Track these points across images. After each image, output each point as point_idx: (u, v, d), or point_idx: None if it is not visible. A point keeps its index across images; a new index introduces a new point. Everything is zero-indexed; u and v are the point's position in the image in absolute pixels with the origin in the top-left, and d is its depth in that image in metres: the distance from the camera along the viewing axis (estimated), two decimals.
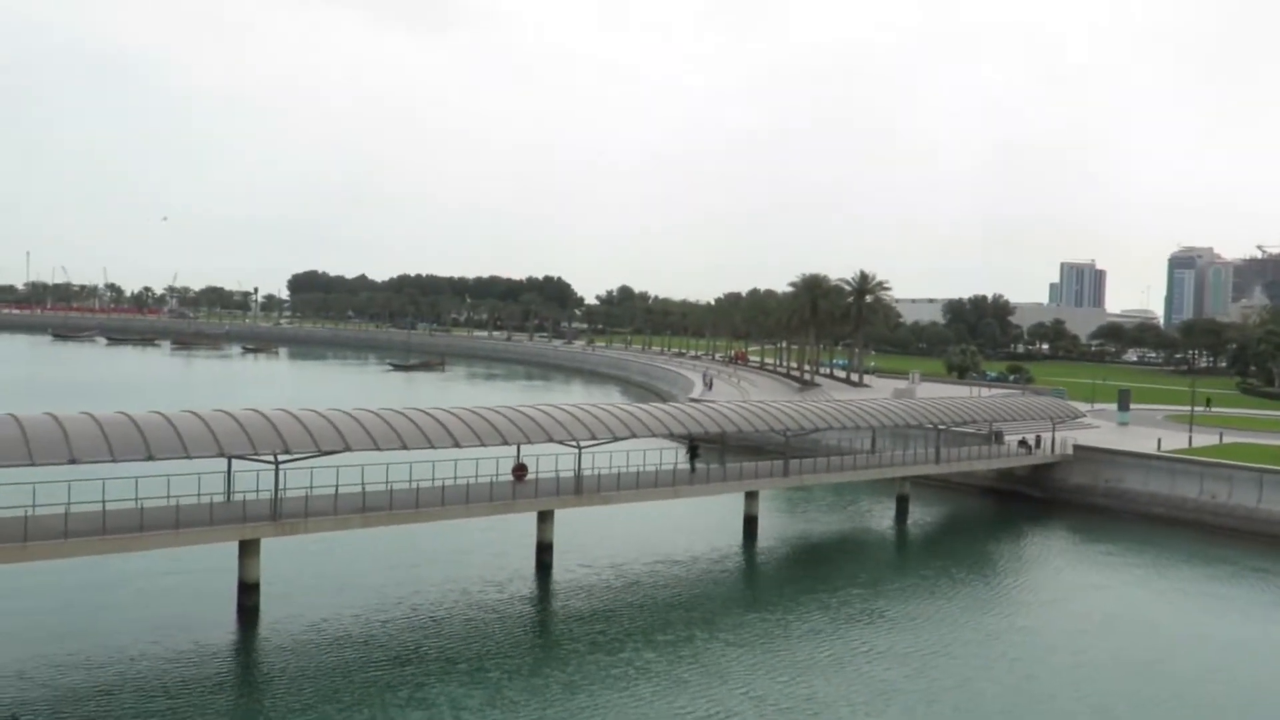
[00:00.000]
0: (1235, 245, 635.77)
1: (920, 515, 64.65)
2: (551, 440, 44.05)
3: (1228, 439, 79.75)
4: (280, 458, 37.25)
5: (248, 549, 38.21)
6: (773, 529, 58.14)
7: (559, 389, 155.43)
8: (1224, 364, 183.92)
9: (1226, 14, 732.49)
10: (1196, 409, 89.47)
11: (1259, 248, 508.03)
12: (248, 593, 38.30)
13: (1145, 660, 38.81)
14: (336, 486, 39.99)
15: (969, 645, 39.30)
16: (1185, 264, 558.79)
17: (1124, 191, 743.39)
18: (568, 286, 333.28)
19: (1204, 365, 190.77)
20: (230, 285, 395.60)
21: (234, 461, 38.00)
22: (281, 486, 38.13)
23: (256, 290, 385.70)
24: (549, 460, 47.18)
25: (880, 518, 64.25)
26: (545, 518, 46.88)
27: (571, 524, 49.88)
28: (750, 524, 55.83)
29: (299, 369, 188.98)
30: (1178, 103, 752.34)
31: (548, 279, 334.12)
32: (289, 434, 36.99)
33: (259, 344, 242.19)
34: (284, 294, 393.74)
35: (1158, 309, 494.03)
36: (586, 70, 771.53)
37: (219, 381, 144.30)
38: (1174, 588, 51.32)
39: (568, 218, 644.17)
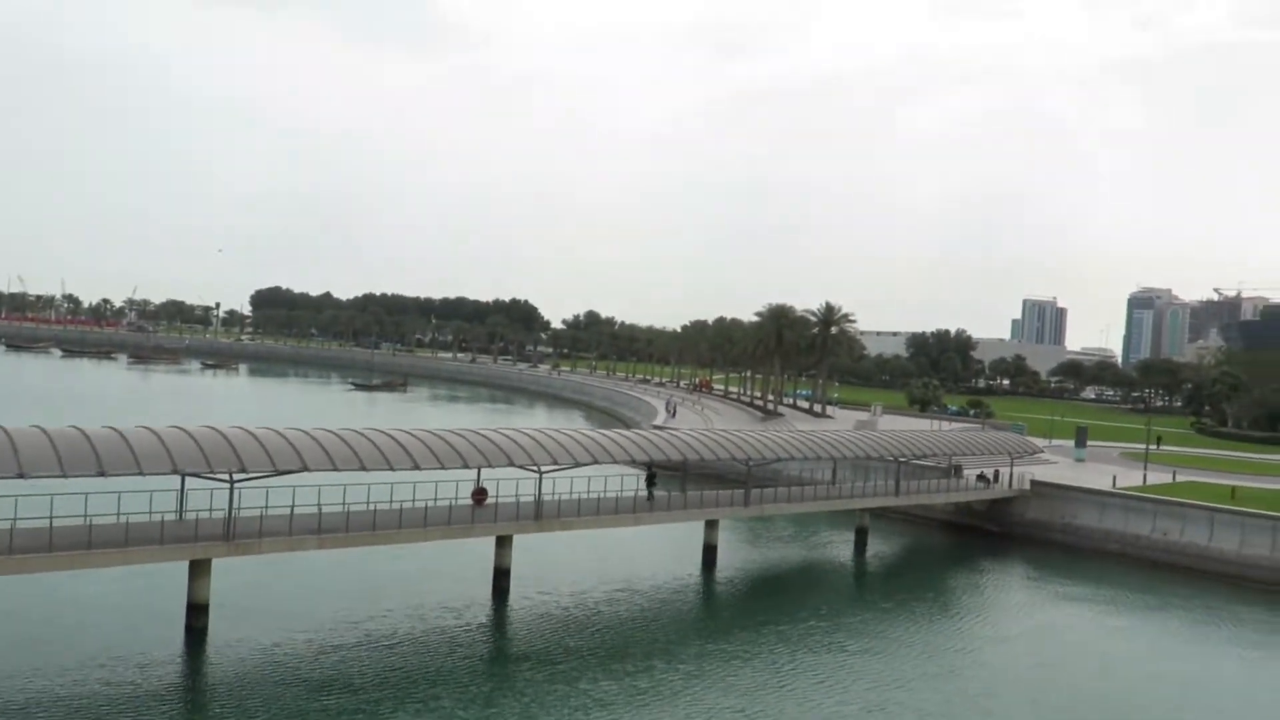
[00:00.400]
0: (1193, 287, 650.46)
1: (879, 547, 64.83)
2: (512, 464, 43.74)
3: (1181, 477, 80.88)
4: (235, 476, 36.65)
5: (198, 569, 37.47)
6: (733, 558, 58.04)
7: (522, 413, 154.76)
8: (1179, 403, 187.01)
9: (1188, 66, 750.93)
10: (1144, 446, 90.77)
11: (1215, 290, 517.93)
12: (197, 614, 37.52)
13: (1101, 698, 39.02)
14: (292, 507, 39.40)
15: (928, 680, 39.30)
16: (1144, 304, 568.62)
17: (1086, 231, 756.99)
18: (534, 310, 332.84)
19: (1160, 404, 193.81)
20: (191, 299, 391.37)
21: (188, 479, 37.33)
22: (236, 506, 37.50)
23: (218, 305, 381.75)
24: (509, 484, 46.81)
25: (840, 549, 64.37)
26: (504, 543, 46.46)
27: (531, 550, 49.48)
28: (710, 552, 55.69)
29: (259, 386, 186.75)
30: (1142, 147, 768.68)
31: (514, 302, 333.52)
32: (245, 452, 36.43)
33: (219, 360, 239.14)
34: (246, 309, 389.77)
35: (1116, 348, 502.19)
36: (559, 95, 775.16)
37: (176, 397, 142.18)
38: (1129, 625, 51.76)
39: (537, 241, 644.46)
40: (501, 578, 46.40)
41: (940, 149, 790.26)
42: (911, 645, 44.02)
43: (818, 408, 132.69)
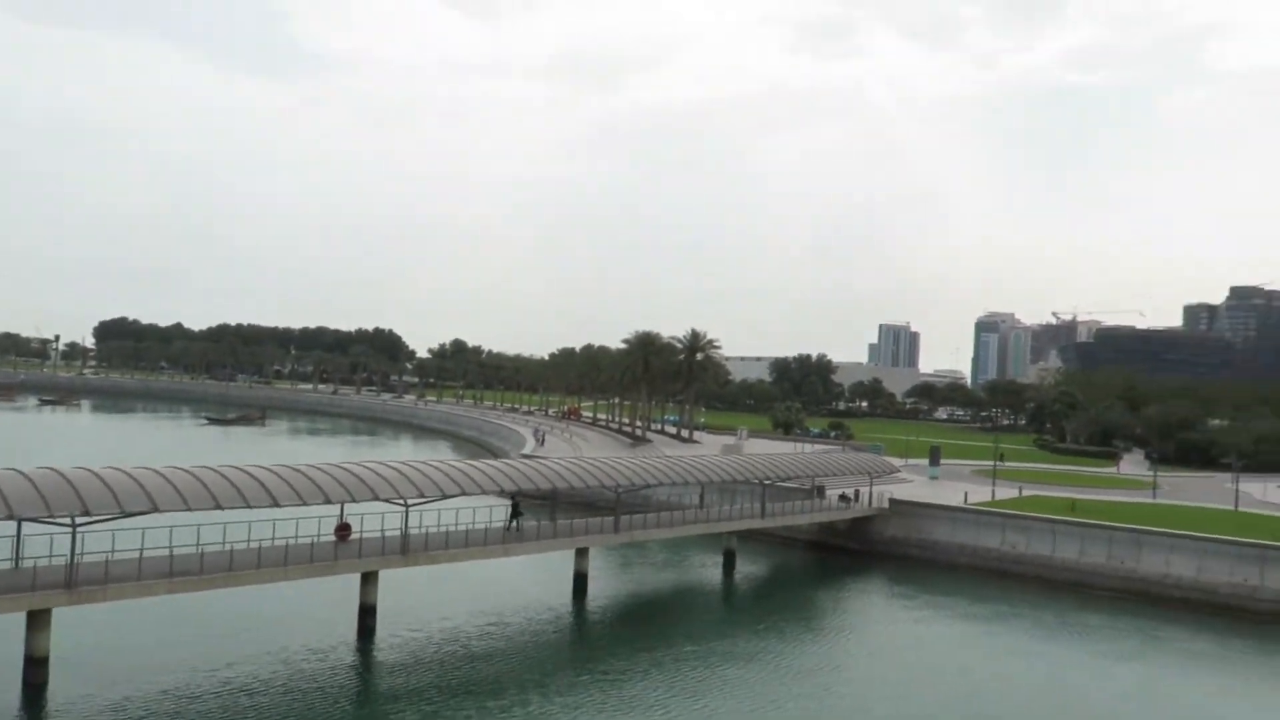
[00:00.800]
0: (1034, 312, 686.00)
1: (747, 569, 65.98)
2: (377, 498, 42.78)
3: (1027, 492, 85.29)
4: (78, 519, 34.66)
5: (37, 620, 35.18)
6: (604, 585, 58.08)
7: (387, 445, 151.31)
8: (1024, 421, 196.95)
9: (1029, 100, 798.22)
10: (991, 463, 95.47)
11: (1054, 314, 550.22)
12: (35, 669, 35.19)
13: (964, 703, 40.63)
14: (141, 550, 37.47)
15: (800, 700, 40.12)
16: (990, 328, 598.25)
17: (937, 259, 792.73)
18: (399, 339, 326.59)
19: (1006, 423, 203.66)
20: (27, 331, 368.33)
21: (25, 525, 35.08)
22: (79, 551, 35.42)
23: (57, 338, 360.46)
24: (374, 519, 45.73)
25: (709, 572, 65.20)
26: (369, 579, 45.29)
27: (398, 586, 48.37)
28: (581, 581, 55.58)
29: (104, 423, 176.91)
30: (985, 179, 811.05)
31: (378, 331, 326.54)
32: (89, 493, 34.52)
33: (59, 395, 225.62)
34: (89, 342, 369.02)
35: (966, 370, 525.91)
36: (423, 123, 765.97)
37: (10, 436, 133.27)
38: (985, 634, 54.06)
39: (402, 270, 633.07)
40: (368, 615, 45.19)
41: (800, 180, 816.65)
42: (783, 664, 44.91)
43: (685, 433, 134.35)
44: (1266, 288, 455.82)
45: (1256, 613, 57.68)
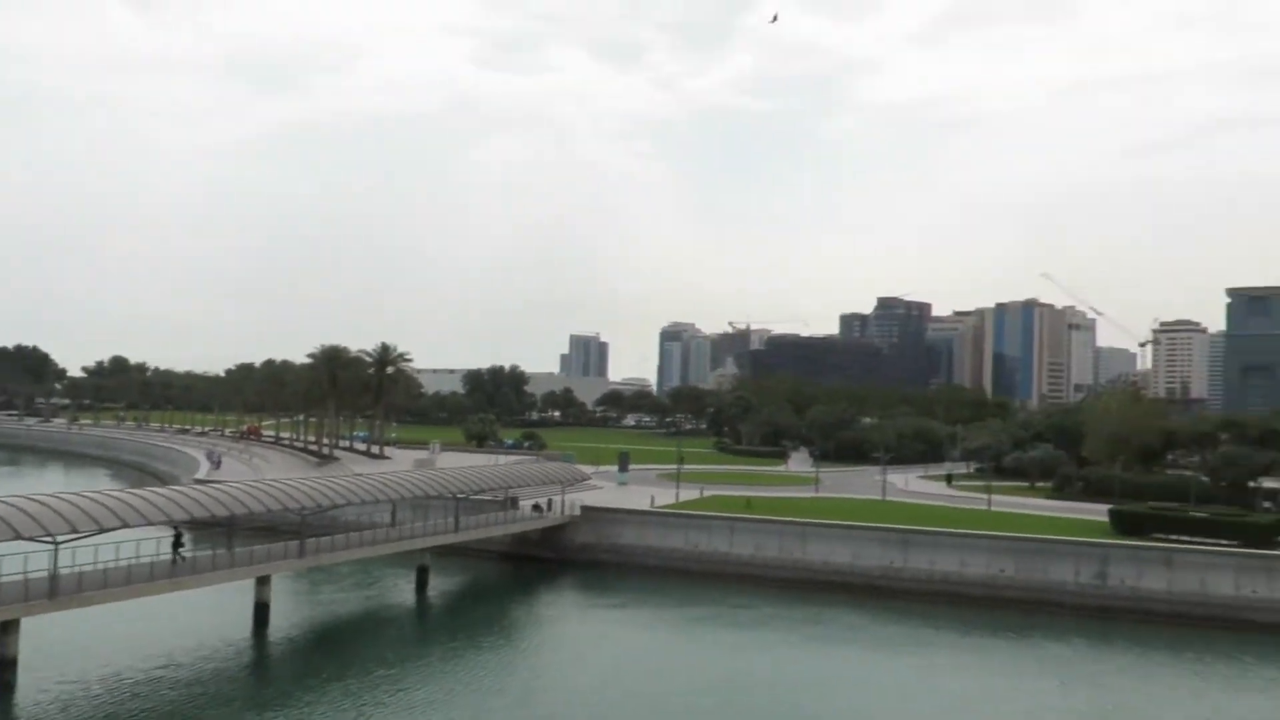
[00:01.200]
0: (714, 322, 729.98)
1: (441, 585, 65.10)
2: (19, 536, 38.01)
3: (708, 492, 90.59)
4: None
5: None
6: (289, 614, 55.04)
7: (31, 475, 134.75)
8: (704, 425, 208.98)
9: (706, 122, 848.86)
10: (674, 467, 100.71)
11: (730, 324, 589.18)
12: None
13: (659, 701, 42.33)
14: None
15: (503, 711, 40.10)
16: (673, 337, 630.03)
17: (624, 271, 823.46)
18: (46, 357, 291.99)
19: (689, 427, 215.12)
20: None
21: None
22: None
23: None
24: (15, 560, 40.56)
25: (402, 591, 63.68)
26: (9, 629, 40.11)
27: (48, 633, 43.21)
28: (263, 611, 52.35)
29: None
30: (667, 194, 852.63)
31: (20, 348, 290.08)
32: None
33: None
34: None
35: (652, 378, 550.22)
36: (77, 119, 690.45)
37: None
38: (673, 631, 56.72)
39: (48, 281, 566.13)
40: (7, 670, 39.98)
41: (491, 191, 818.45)
42: (482, 679, 44.70)
43: (375, 449, 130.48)
44: (906, 298, 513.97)
45: (902, 591, 64.72)
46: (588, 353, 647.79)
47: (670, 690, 44.20)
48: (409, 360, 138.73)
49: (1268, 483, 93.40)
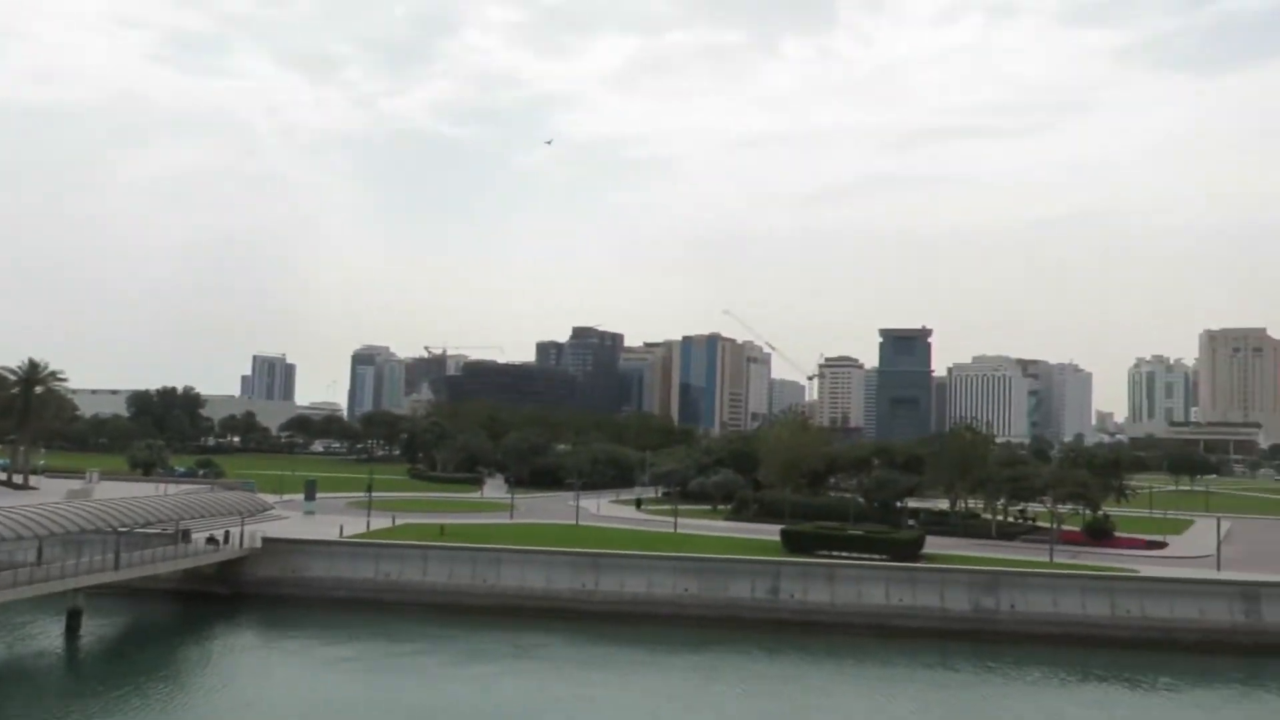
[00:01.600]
0: (409, 346, 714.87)
1: (98, 629, 58.64)
2: None
3: (400, 520, 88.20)
4: None
5: None
6: None
7: None
8: (398, 452, 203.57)
9: (404, 144, 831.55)
10: (365, 494, 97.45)
11: (426, 348, 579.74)
12: None
13: None
14: None
15: None
16: (366, 360, 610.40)
17: (315, 291, 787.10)
18: None
19: (382, 453, 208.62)
20: None
21: None
22: None
23: None
24: None
25: (49, 639, 56.71)
26: None
27: None
28: None
29: None
30: (368, 214, 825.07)
31: None
32: None
33: None
34: None
35: (343, 402, 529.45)
36: None
37: None
38: (361, 664, 54.35)
39: None
40: None
41: (168, 200, 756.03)
42: None
43: (20, 478, 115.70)
44: (600, 329, 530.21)
45: (595, 614, 66.09)
46: (273, 375, 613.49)
47: None
48: (63, 379, 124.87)
49: (912, 503, 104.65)
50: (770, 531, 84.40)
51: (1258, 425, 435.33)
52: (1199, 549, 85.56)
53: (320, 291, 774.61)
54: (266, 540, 72.15)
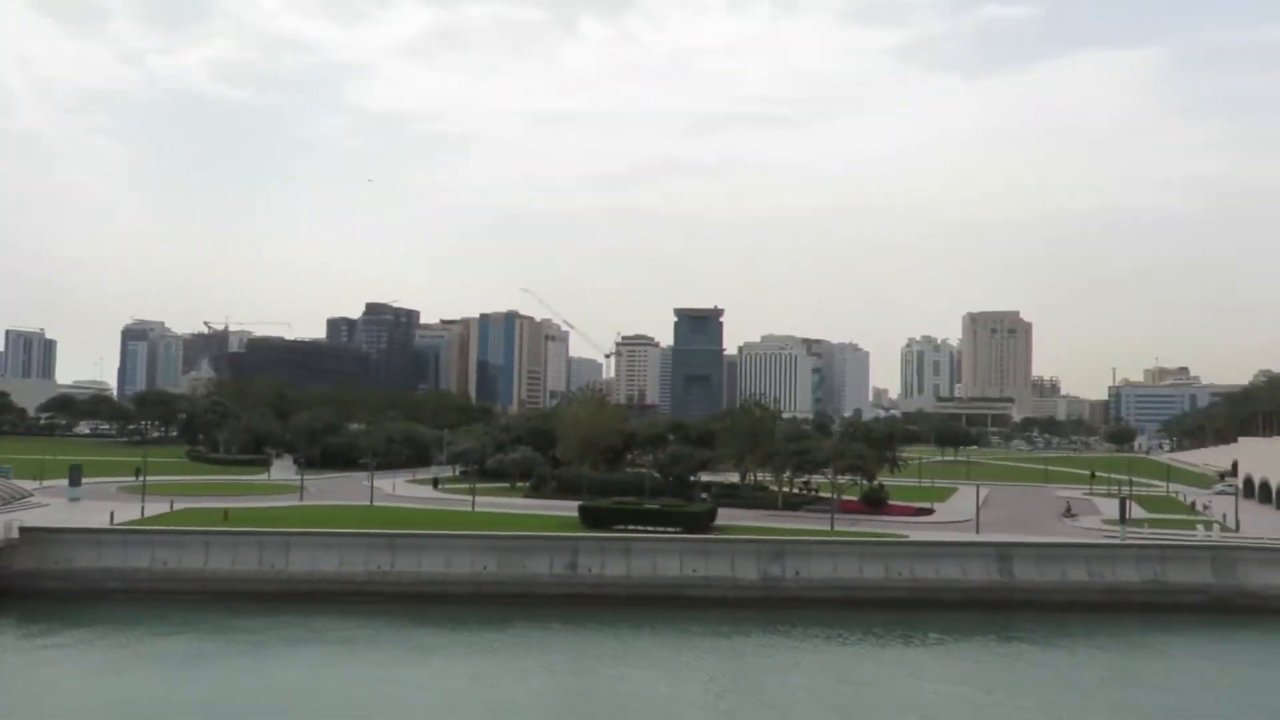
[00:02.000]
0: (186, 321, 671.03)
1: None
2: None
3: (179, 505, 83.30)
4: None
5: None
6: None
7: None
8: (176, 433, 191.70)
9: (180, 106, 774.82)
10: (137, 479, 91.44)
11: (206, 324, 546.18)
12: None
13: None
14: None
15: None
16: (138, 336, 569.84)
17: (80, 261, 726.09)
18: None
19: (158, 435, 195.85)
20: None
21: None
22: None
23: None
24: None
25: None
26: None
27: None
28: None
29: None
30: (140, 179, 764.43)
31: None
32: None
33: None
34: None
35: (112, 380, 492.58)
36: None
37: None
38: (135, 661, 51.20)
39: None
40: None
41: None
42: None
43: None
44: (394, 305, 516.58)
45: (391, 595, 64.75)
46: (29, 351, 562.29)
47: None
48: None
49: (705, 477, 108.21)
50: (568, 508, 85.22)
51: (1011, 400, 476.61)
52: (961, 514, 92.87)
53: (85, 262, 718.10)
54: (25, 530, 66.45)
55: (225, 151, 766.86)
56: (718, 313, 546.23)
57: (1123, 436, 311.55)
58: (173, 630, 56.88)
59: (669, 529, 75.01)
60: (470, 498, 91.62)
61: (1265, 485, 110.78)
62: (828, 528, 79.23)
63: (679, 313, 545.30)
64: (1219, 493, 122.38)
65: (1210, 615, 64.69)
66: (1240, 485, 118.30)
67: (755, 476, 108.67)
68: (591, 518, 78.80)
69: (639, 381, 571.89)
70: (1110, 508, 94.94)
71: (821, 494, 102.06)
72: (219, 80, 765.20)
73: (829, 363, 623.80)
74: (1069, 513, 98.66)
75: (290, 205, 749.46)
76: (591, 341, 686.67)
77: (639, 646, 56.95)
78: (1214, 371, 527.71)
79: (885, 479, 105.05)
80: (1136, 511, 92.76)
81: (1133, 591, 67.20)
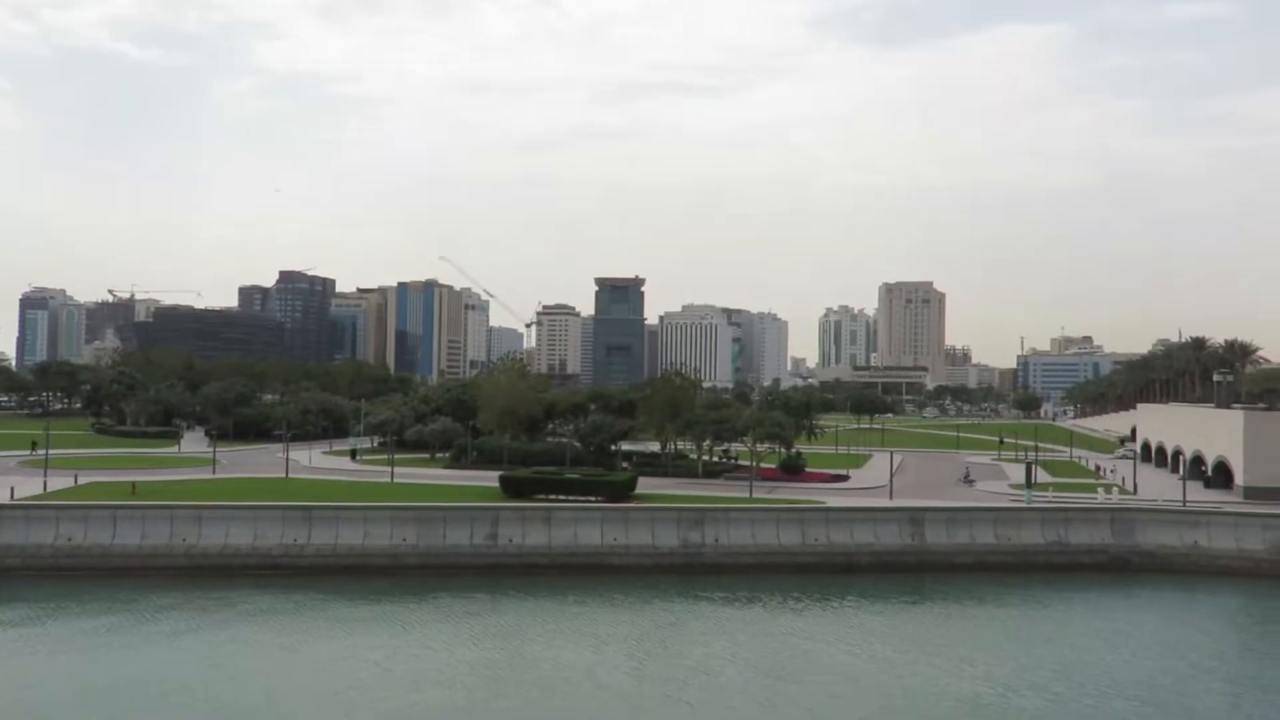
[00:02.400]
0: (89, 288, 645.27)
1: None
2: None
3: (84, 479, 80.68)
4: None
5: None
6: None
7: None
8: (80, 405, 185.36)
9: (79, 65, 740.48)
10: (36, 452, 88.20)
11: (111, 292, 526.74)
12: None
13: None
14: None
15: None
16: (38, 305, 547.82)
17: None
18: None
19: (60, 407, 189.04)
20: None
21: None
22: None
23: None
24: None
25: None
26: None
27: None
28: None
29: None
30: (34, 142, 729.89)
31: None
32: None
33: None
34: None
35: (11, 350, 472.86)
36: None
37: None
38: (45, 642, 49.55)
39: None
40: None
41: None
42: None
43: None
44: (309, 273, 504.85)
45: (307, 568, 63.79)
46: None
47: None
48: None
49: (626, 446, 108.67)
50: (489, 478, 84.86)
51: (925, 369, 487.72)
52: (875, 480, 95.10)
53: None
54: None
55: (130, 113, 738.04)
56: (639, 282, 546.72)
57: (1030, 404, 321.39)
58: (79, 607, 55.32)
59: (590, 498, 75.23)
60: (389, 469, 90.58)
61: (1161, 449, 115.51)
62: (746, 495, 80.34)
63: (600, 282, 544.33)
64: (1119, 457, 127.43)
65: (1109, 573, 67.70)
66: (1139, 450, 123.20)
67: (675, 445, 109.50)
68: (512, 488, 78.60)
69: (560, 351, 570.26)
70: (1017, 473, 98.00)
71: (741, 462, 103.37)
72: (119, 38, 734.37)
73: (749, 332, 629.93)
74: (967, 478, 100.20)
75: (199, 170, 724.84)
76: (512, 311, 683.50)
77: (563, 615, 57.15)
78: (1117, 341, 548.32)
79: (803, 447, 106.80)
80: (1041, 476, 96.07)
81: (1037, 552, 69.78)
